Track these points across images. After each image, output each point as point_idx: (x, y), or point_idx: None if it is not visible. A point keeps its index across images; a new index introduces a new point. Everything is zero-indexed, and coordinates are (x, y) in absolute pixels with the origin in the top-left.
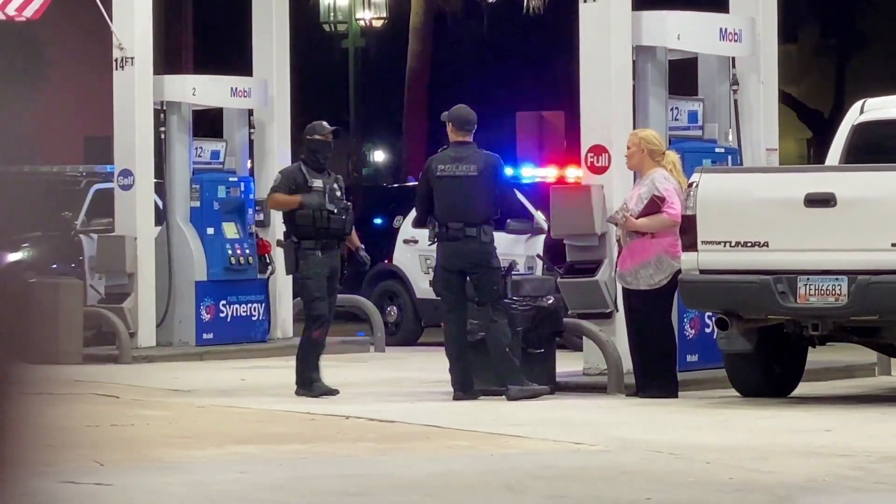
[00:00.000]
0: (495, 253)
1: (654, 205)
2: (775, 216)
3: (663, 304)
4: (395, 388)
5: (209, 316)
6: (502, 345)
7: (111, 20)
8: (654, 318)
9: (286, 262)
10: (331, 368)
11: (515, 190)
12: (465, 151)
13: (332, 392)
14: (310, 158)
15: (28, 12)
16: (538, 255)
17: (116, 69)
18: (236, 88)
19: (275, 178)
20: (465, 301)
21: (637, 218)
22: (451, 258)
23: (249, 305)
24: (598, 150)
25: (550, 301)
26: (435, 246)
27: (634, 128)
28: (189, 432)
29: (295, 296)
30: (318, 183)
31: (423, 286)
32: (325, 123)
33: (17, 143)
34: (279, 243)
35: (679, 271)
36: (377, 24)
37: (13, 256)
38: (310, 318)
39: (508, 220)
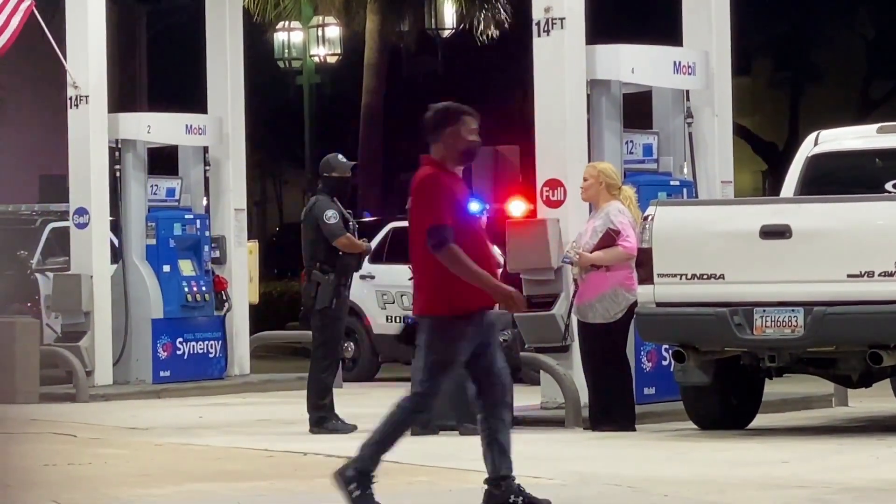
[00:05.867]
0: None
1: (610, 238)
2: (731, 248)
3: (618, 338)
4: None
5: (166, 353)
6: (455, 381)
7: (65, 59)
8: (610, 351)
9: (320, 297)
10: (288, 405)
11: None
12: None
13: (349, 428)
14: (334, 194)
15: None
16: None
17: (71, 108)
18: (191, 126)
19: (325, 216)
20: None
21: (592, 251)
22: None
23: (206, 343)
24: (554, 183)
25: (507, 336)
26: (389, 280)
27: (590, 161)
28: (147, 470)
29: (251, 331)
30: (351, 220)
31: (379, 322)
32: (341, 158)
33: None
34: (313, 276)
35: (635, 304)
36: (331, 60)
37: None
38: (328, 358)
39: None
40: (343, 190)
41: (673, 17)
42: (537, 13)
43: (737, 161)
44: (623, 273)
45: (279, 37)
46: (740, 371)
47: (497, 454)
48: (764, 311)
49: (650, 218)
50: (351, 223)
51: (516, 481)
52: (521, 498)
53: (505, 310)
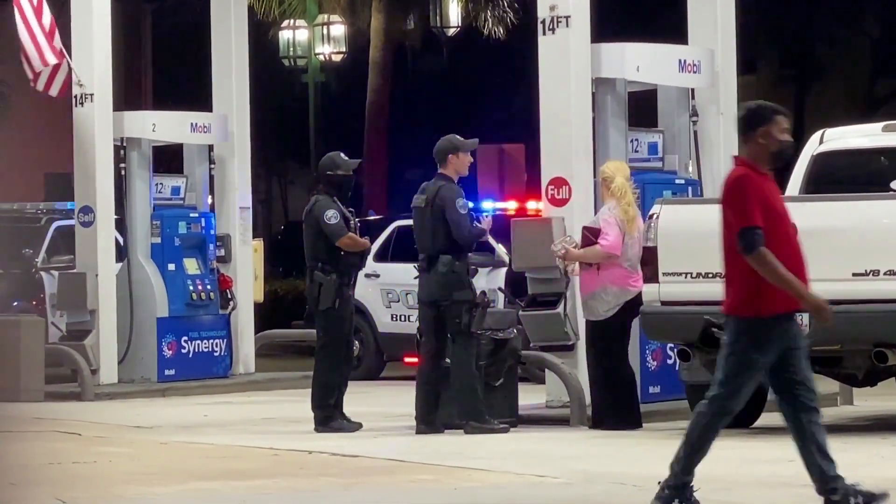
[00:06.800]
0: (460, 285)
1: (586, 238)
2: None
3: (616, 335)
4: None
5: (171, 352)
6: (461, 380)
7: (70, 57)
8: (609, 349)
9: (323, 298)
10: (293, 403)
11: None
12: (428, 183)
13: (354, 427)
14: (336, 193)
15: (53, 90)
16: (499, 288)
17: (76, 106)
18: (196, 124)
19: (325, 216)
20: (438, 334)
21: (580, 247)
22: (420, 290)
23: (211, 341)
24: (559, 182)
25: (512, 334)
26: (393, 279)
27: (594, 159)
28: (151, 469)
29: (256, 330)
30: (353, 218)
31: (384, 320)
32: (343, 156)
33: None
34: (315, 277)
35: (632, 302)
36: (336, 58)
37: None
38: (333, 358)
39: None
40: (346, 188)
41: (678, 15)
42: (542, 11)
43: None
44: (615, 272)
45: (284, 35)
46: None
47: (822, 459)
48: None
49: (655, 217)
50: (352, 221)
51: (846, 480)
52: (860, 498)
53: (815, 320)
